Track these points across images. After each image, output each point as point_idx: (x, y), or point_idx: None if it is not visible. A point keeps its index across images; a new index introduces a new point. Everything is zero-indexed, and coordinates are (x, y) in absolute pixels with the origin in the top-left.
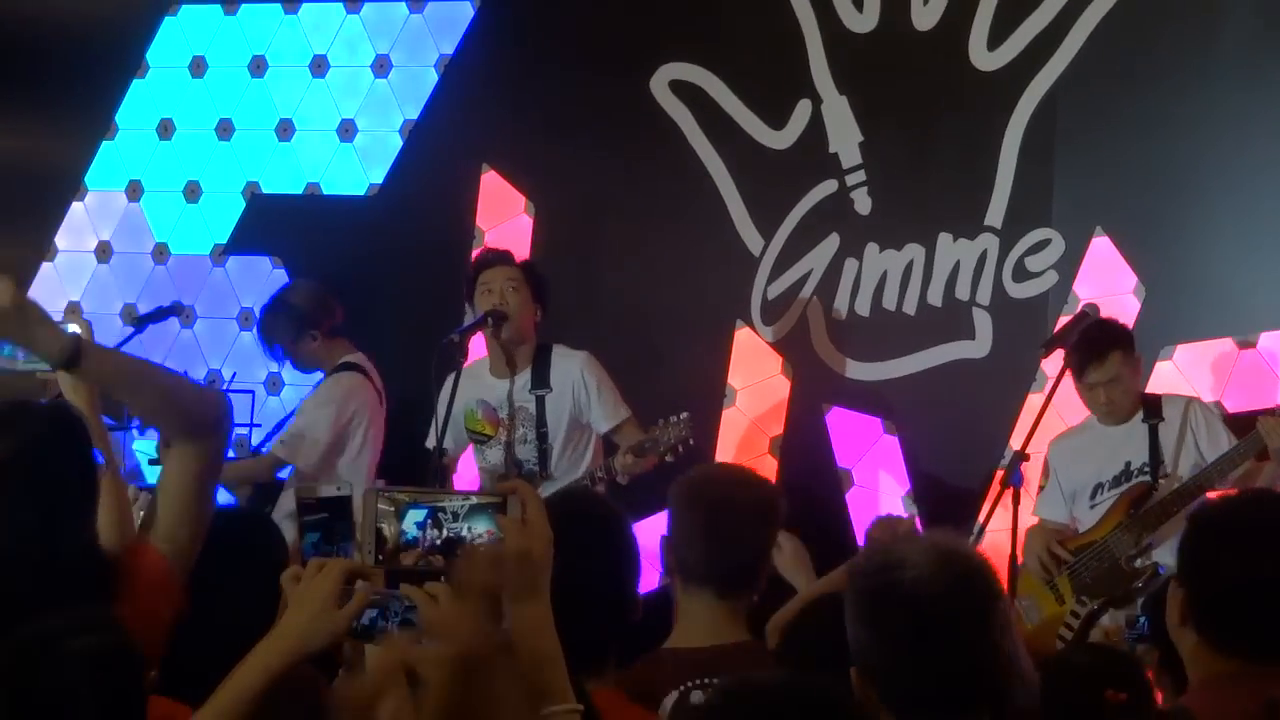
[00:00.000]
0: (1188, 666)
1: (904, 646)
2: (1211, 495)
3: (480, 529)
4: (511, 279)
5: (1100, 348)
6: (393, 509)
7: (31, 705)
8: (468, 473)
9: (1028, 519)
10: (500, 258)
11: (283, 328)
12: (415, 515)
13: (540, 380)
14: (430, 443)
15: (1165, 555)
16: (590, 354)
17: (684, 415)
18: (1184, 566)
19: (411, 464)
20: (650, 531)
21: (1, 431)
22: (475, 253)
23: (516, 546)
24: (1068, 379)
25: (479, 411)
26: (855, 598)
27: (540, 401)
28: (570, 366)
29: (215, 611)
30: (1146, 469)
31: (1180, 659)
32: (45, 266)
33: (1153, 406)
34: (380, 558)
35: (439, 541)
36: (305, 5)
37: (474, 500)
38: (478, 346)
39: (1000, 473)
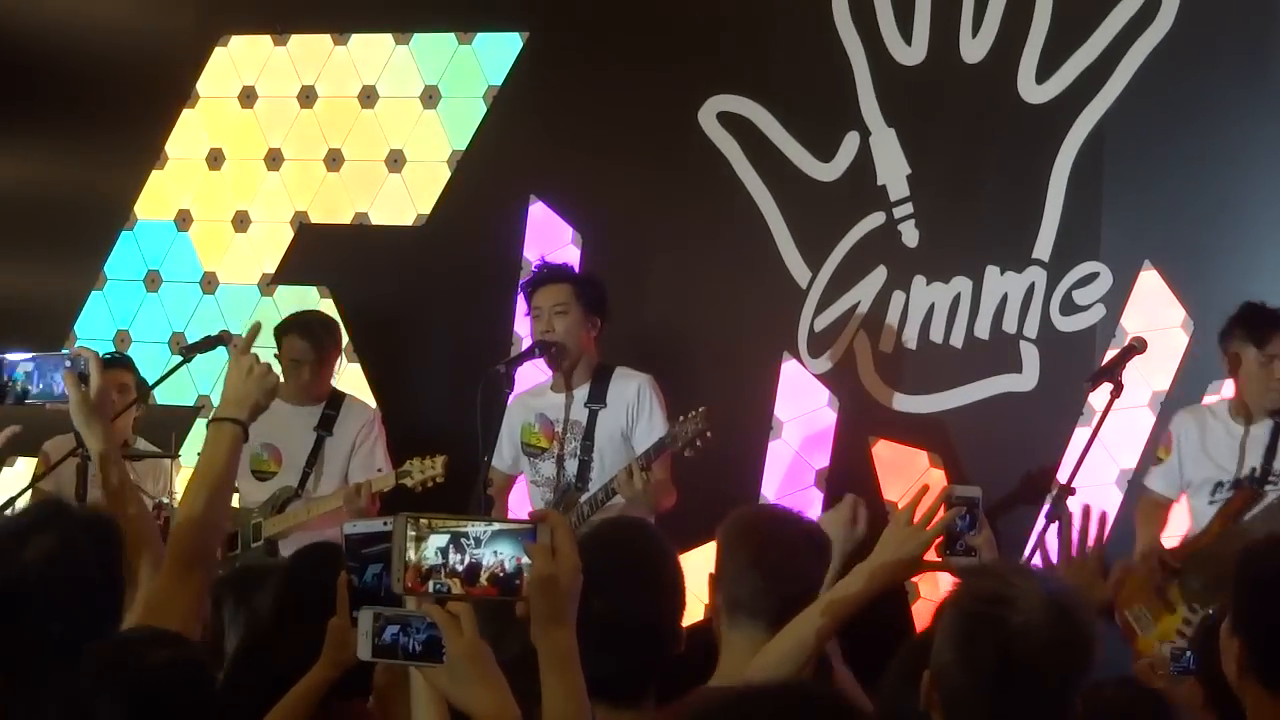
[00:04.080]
0: (1251, 717)
1: (987, 682)
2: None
3: (505, 554)
4: (559, 304)
5: (1277, 318)
6: (415, 534)
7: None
8: (520, 495)
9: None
10: (550, 276)
11: (336, 347)
12: (438, 541)
13: (597, 396)
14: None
15: None
16: (653, 378)
17: (701, 409)
18: (1238, 617)
19: (462, 492)
20: (700, 561)
21: (38, 531)
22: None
23: (543, 573)
24: (1115, 412)
25: (536, 425)
26: (956, 617)
27: (593, 416)
28: (629, 385)
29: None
30: (1269, 474)
31: (1227, 696)
32: (94, 295)
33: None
34: (408, 585)
35: (460, 567)
36: (355, 36)
37: (497, 526)
38: (543, 368)
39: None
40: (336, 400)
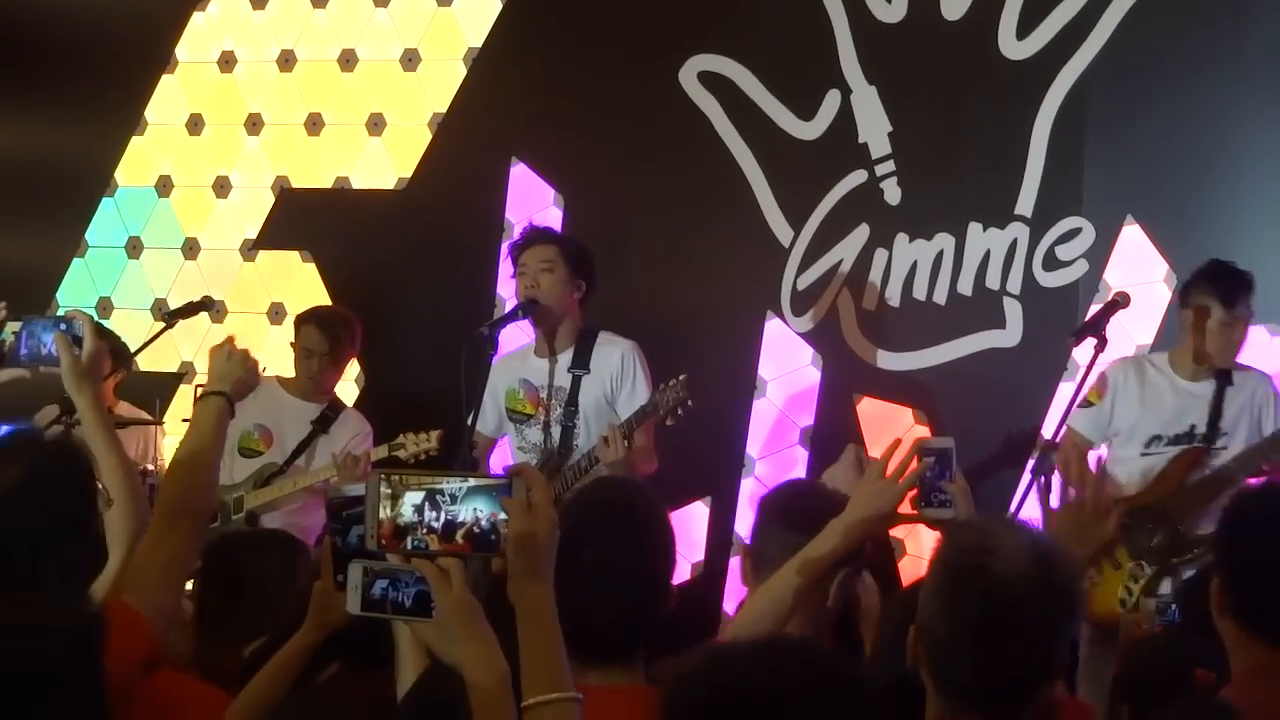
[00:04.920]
0: (1230, 657)
1: (970, 631)
2: (1251, 482)
3: (481, 510)
4: (545, 260)
5: (1248, 282)
6: (392, 492)
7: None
8: (504, 460)
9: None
10: (536, 237)
11: (352, 346)
12: (413, 498)
13: (581, 361)
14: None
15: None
16: (636, 344)
17: (682, 377)
18: (1220, 555)
19: (446, 455)
20: (685, 519)
21: (5, 461)
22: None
23: (520, 529)
24: (1099, 367)
25: (521, 391)
26: (940, 567)
27: (576, 381)
28: (613, 352)
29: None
30: (1215, 434)
31: (1217, 647)
32: (76, 262)
33: (1225, 371)
34: (382, 542)
35: (436, 524)
36: (333, 0)
37: (473, 482)
38: (527, 331)
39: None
40: (338, 406)
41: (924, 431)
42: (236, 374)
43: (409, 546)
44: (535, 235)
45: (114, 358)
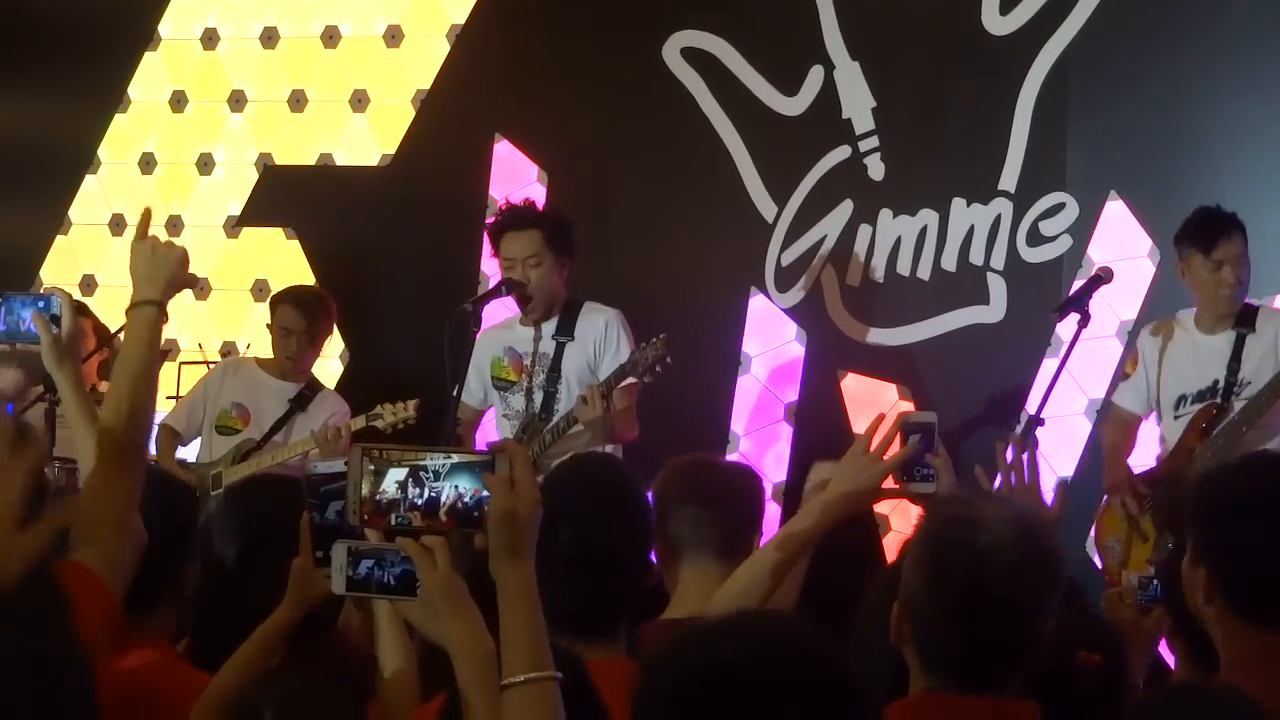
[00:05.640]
0: (1220, 646)
1: (954, 605)
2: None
3: (464, 487)
4: (532, 256)
5: (1226, 223)
6: (374, 468)
7: None
8: (489, 429)
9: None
10: (516, 221)
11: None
12: (396, 474)
13: (565, 329)
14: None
15: None
16: (621, 313)
17: (662, 336)
18: (1201, 545)
19: (430, 430)
20: None
21: None
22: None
23: (503, 506)
24: (1083, 342)
25: (506, 359)
26: (923, 543)
27: (560, 348)
28: (597, 320)
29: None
30: (1233, 387)
31: (1195, 626)
32: (59, 240)
33: (1247, 315)
34: (365, 517)
35: (419, 500)
36: None
37: (456, 459)
38: (510, 305)
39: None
40: (315, 385)
41: (908, 408)
42: (166, 273)
43: (392, 523)
44: (513, 219)
45: (96, 337)
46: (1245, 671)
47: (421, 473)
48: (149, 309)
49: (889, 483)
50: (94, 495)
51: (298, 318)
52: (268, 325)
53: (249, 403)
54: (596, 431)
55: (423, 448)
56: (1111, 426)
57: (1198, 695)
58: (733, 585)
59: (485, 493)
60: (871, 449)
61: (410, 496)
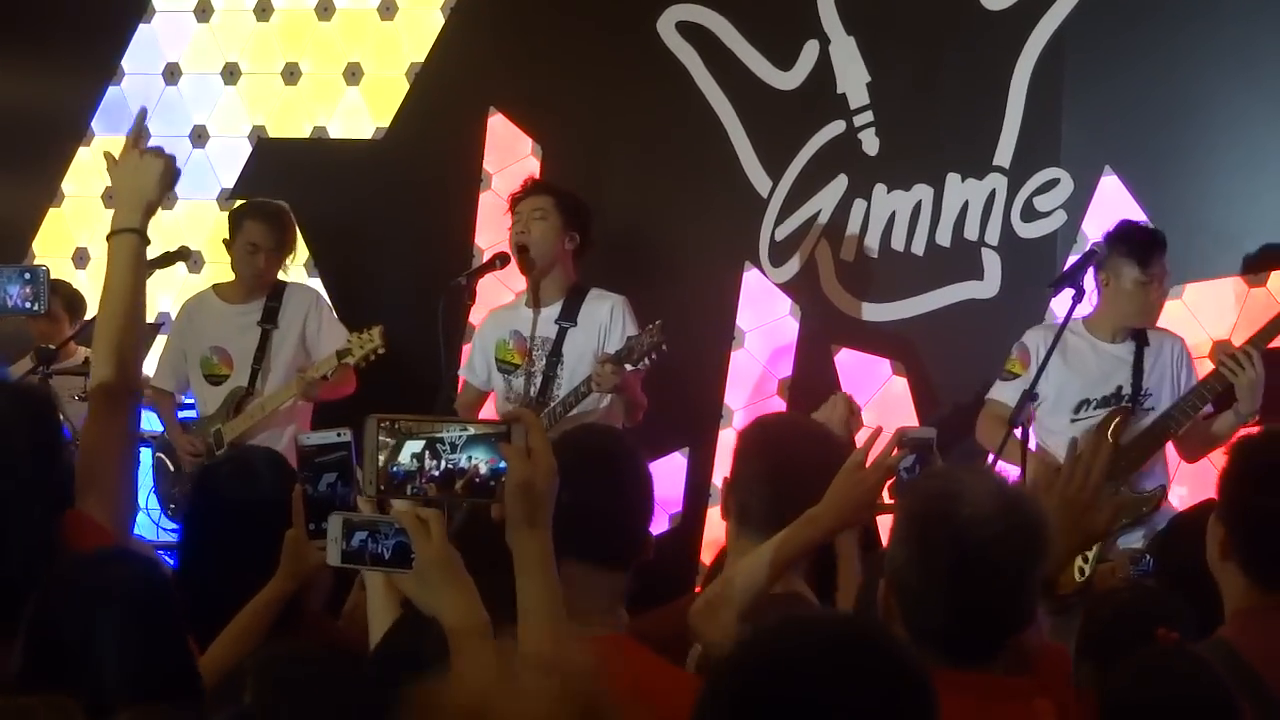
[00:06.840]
0: (1227, 601)
1: (941, 579)
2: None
3: (481, 458)
4: (538, 208)
5: (1160, 242)
6: (392, 440)
7: None
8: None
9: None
10: (535, 188)
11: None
12: (413, 446)
13: (569, 314)
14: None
15: (1149, 483)
16: (628, 300)
17: (658, 323)
18: (1225, 503)
19: (427, 406)
20: (663, 471)
21: None
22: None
23: (520, 477)
24: (1076, 317)
25: (511, 342)
26: (906, 515)
27: (562, 333)
28: (602, 305)
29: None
30: (1138, 394)
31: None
32: (52, 212)
33: (1141, 332)
34: (381, 488)
35: (436, 472)
36: None
37: (472, 430)
38: (510, 285)
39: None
40: (279, 291)
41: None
42: (147, 195)
43: (408, 494)
44: (534, 186)
45: (68, 307)
46: (1245, 627)
47: (439, 444)
48: (130, 237)
49: (885, 497)
50: (93, 442)
51: (268, 233)
52: (225, 242)
53: (225, 343)
54: (615, 405)
55: (439, 417)
56: (993, 423)
57: (1188, 655)
58: (730, 585)
59: (502, 463)
60: (868, 465)
61: (428, 468)
